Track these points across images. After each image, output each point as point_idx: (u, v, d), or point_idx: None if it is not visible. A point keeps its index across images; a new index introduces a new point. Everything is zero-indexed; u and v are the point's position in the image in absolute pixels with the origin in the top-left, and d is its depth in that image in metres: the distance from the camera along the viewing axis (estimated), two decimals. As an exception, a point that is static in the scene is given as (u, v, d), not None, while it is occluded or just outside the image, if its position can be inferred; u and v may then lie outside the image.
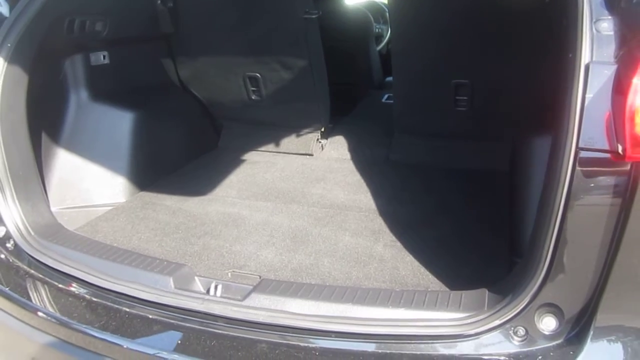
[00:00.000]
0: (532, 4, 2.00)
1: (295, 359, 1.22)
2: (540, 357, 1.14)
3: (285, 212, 2.17)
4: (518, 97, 2.29)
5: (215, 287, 1.43)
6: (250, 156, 2.88)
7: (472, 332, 1.19)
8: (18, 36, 1.74)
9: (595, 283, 1.11)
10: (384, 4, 4.53)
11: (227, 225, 2.06)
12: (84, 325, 1.40)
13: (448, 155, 2.61)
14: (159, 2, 2.65)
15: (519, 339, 1.16)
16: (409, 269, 1.70)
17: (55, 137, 2.19)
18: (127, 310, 1.42)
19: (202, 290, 1.47)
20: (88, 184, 2.23)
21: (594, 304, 1.12)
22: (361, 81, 3.81)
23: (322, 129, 2.89)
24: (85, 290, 1.51)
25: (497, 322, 1.18)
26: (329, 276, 1.69)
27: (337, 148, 2.87)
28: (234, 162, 2.78)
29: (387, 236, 1.93)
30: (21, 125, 1.80)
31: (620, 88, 1.04)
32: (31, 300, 1.54)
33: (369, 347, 1.23)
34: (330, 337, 1.26)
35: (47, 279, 1.57)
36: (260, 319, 1.30)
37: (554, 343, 1.15)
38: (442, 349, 1.20)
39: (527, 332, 1.16)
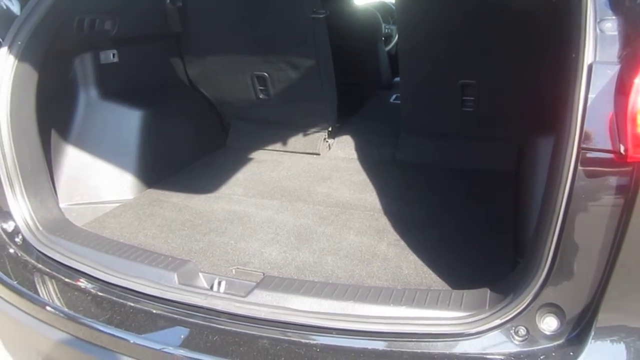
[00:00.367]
0: (540, 5, 2.00)
1: (297, 355, 1.23)
2: (541, 357, 1.14)
3: (291, 210, 2.18)
4: (524, 98, 2.28)
5: (219, 283, 1.45)
6: (258, 155, 2.89)
7: (473, 331, 1.19)
8: (29, 34, 1.76)
9: (597, 283, 1.10)
10: (393, 4, 4.53)
11: (233, 223, 2.07)
12: (90, 320, 1.42)
13: (454, 155, 2.61)
14: (168, 1, 2.68)
15: (520, 338, 1.16)
16: (412, 267, 1.70)
17: (65, 134, 2.21)
18: (132, 305, 1.43)
19: (206, 286, 1.48)
20: (96, 181, 2.25)
21: (595, 304, 1.11)
22: (369, 81, 3.80)
23: (330, 129, 2.90)
24: (91, 285, 1.53)
25: (498, 322, 1.17)
26: (332, 274, 1.69)
27: (344, 147, 2.88)
28: (241, 160, 2.80)
29: (391, 235, 1.93)
30: (31, 122, 1.83)
31: (622, 88, 1.03)
32: (39, 294, 1.56)
33: (370, 344, 1.23)
34: (332, 334, 1.26)
35: (54, 273, 1.60)
36: (263, 315, 1.32)
37: (555, 343, 1.15)
38: (442, 347, 1.20)
39: (528, 332, 1.16)
